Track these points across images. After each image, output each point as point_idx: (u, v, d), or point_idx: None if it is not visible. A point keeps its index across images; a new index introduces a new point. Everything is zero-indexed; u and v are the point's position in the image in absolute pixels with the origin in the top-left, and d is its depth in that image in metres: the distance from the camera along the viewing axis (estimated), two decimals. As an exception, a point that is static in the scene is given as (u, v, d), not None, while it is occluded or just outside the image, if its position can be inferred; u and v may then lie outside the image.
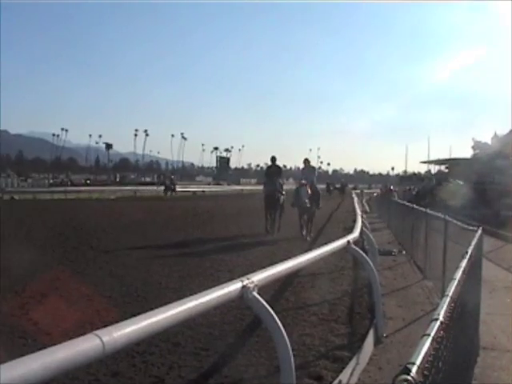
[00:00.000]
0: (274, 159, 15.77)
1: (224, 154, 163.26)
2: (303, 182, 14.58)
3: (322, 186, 65.65)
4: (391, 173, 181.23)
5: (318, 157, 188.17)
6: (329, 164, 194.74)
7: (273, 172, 15.62)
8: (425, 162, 57.70)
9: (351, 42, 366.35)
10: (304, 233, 14.74)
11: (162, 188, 50.73)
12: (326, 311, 6.64)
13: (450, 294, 2.46)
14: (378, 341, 5.72)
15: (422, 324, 5.82)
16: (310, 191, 14.51)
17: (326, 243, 6.03)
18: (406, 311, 7.08)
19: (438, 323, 1.93)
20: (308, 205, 14.26)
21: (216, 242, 13.53)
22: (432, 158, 61.40)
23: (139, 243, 12.92)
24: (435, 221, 9.01)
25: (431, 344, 1.70)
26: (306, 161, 15.42)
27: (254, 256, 11.19)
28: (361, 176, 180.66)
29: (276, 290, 7.68)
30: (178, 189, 52.58)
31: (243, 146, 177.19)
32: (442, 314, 2.06)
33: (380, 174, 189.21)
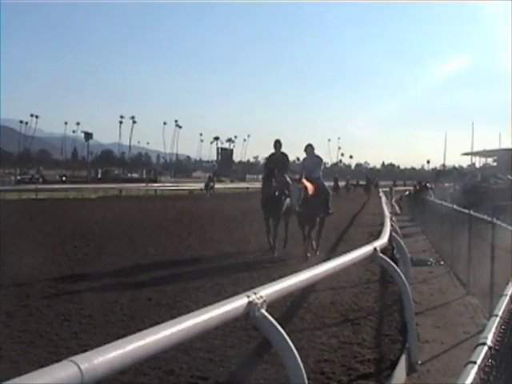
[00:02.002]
0: (277, 144, 13.78)
1: (226, 146, 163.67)
2: (296, 176, 12.97)
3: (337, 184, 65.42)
4: (426, 167, 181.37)
5: (339, 148, 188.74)
6: (351, 157, 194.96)
7: (276, 162, 13.60)
8: (467, 154, 57.69)
9: (374, 6, 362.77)
10: (307, 248, 12.72)
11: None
12: (348, 332, 6.63)
13: (500, 313, 2.44)
14: (411, 369, 5.70)
15: (466, 349, 5.81)
16: (312, 190, 12.46)
17: (347, 251, 6.01)
18: (445, 333, 7.05)
19: (486, 348, 1.91)
20: (298, 208, 12.14)
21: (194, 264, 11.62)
22: (476, 148, 61.26)
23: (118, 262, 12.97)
24: (481, 225, 8.97)
25: (477, 374, 1.68)
26: (309, 147, 13.49)
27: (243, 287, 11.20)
28: (390, 171, 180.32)
29: (288, 307, 7.68)
30: (163, 186, 52.65)
31: (249, 136, 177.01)
32: (490, 337, 2.04)
33: (413, 169, 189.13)
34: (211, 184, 51.85)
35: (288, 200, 13.06)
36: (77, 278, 9.71)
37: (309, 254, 12.42)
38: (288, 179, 13.37)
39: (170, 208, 29.87)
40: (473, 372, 1.69)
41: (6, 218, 19.47)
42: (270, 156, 14.22)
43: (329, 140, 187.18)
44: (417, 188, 35.90)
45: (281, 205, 13.16)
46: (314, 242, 13.23)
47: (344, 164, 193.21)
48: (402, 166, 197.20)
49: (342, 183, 68.64)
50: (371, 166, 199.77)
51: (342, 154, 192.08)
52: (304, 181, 12.38)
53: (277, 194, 13.08)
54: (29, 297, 8.21)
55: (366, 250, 6.16)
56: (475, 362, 1.76)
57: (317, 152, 13.74)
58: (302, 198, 12.08)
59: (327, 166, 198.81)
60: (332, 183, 56.39)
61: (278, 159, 13.72)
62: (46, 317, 7.11)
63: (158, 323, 2.50)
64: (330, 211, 13.56)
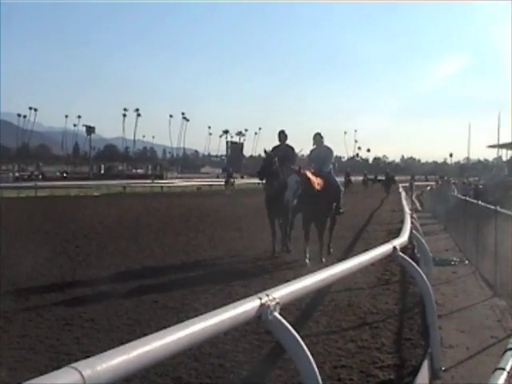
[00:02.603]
0: (282, 135, 13.28)
1: (236, 139, 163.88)
2: (295, 167, 11.67)
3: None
4: (449, 160, 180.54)
5: (355, 141, 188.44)
6: (369, 150, 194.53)
7: (280, 155, 12.85)
8: (493, 147, 57.24)
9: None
10: (322, 251, 11.95)
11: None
12: (366, 337, 6.61)
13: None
14: (434, 376, 5.67)
15: (493, 355, 5.77)
16: (319, 184, 11.55)
17: (365, 250, 5.99)
18: (470, 338, 7.01)
19: (515, 354, 1.89)
20: (294, 203, 11.32)
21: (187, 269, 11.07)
22: (503, 141, 60.75)
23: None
24: (508, 222, 8.91)
25: (506, 380, 1.66)
26: (317, 136, 12.66)
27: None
28: (410, 165, 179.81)
29: (302, 310, 7.68)
30: (169, 182, 52.63)
31: (260, 129, 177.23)
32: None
33: (435, 163, 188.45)
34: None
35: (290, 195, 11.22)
36: (79, 279, 9.76)
37: (324, 259, 11.46)
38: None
39: (176, 206, 29.93)
40: (502, 379, 1.67)
41: (4, 218, 19.59)
42: (273, 149, 13.35)
43: (345, 133, 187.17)
44: (439, 183, 35.79)
45: (286, 204, 11.64)
46: (325, 245, 12.40)
47: (361, 158, 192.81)
48: (422, 160, 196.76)
49: (357, 178, 68.56)
50: (390, 159, 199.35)
51: (359, 148, 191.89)
52: (307, 172, 11.38)
53: (281, 193, 11.53)
54: (28, 300, 8.26)
55: (384, 248, 6.13)
56: (504, 369, 1.74)
57: (327, 142, 12.90)
58: (309, 194, 11.17)
59: (343, 160, 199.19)
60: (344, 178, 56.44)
61: (281, 153, 12.96)
62: (47, 321, 7.15)
63: (165, 327, 2.50)
64: (340, 210, 12.80)
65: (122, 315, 7.47)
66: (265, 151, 13.34)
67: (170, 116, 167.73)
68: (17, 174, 78.12)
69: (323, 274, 4.45)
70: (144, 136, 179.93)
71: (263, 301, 3.27)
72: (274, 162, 12.64)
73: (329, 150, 12.78)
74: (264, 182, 13.30)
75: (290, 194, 11.07)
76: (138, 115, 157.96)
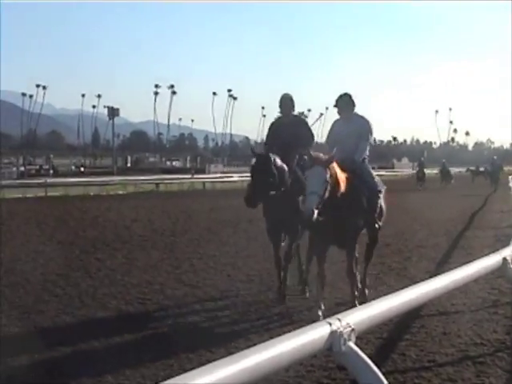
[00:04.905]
0: (287, 102, 10.56)
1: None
2: (320, 155, 8.56)
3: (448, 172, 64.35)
4: None
5: (450, 122, 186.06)
6: (467, 134, 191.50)
7: (285, 138, 10.19)
8: None
9: None
10: (321, 298, 9.07)
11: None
12: (469, 375, 6.52)
13: None
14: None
15: None
16: (344, 182, 8.64)
17: (465, 263, 5.91)
18: None
19: None
20: (314, 215, 7.97)
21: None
22: None
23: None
24: None
25: None
26: (344, 98, 9.77)
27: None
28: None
29: (384, 339, 7.63)
30: (212, 177, 52.65)
31: (327, 109, 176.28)
32: None
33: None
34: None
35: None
36: (100, 300, 9.91)
37: (356, 303, 8.47)
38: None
39: (222, 207, 29.99)
40: None
41: (7, 224, 20.05)
42: (274, 123, 10.91)
43: (436, 112, 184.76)
44: None
45: (294, 213, 9.35)
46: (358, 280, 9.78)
47: (457, 143, 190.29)
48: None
49: (454, 169, 67.61)
50: (496, 145, 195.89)
51: (455, 131, 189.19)
52: (334, 164, 8.53)
53: (289, 197, 9.66)
54: (37, 325, 8.44)
55: (491, 260, 6.05)
56: None
57: (360, 111, 10.05)
58: (331, 201, 8.36)
59: (434, 146, 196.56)
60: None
61: (288, 128, 10.29)
62: (64, 360, 7.27)
63: (210, 361, 2.52)
64: (377, 224, 9.69)
65: (152, 344, 7.56)
66: (252, 151, 10.66)
67: (214, 94, 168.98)
68: (22, 169, 78.17)
69: (410, 294, 4.41)
70: (181, 119, 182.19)
71: (334, 327, 3.26)
72: (270, 170, 9.48)
73: (364, 124, 9.88)
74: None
75: (314, 201, 8.09)
76: (173, 93, 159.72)
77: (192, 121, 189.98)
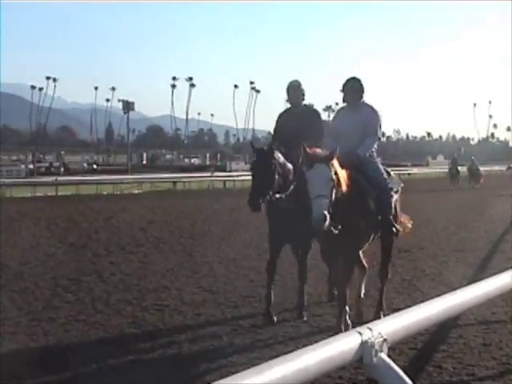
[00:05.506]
0: (294, 91, 10.00)
1: (325, 117, 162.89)
2: (317, 151, 8.05)
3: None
4: None
5: (490, 117, 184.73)
6: (508, 129, 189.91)
7: (293, 126, 9.58)
8: None
9: None
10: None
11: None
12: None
13: None
14: None
15: None
16: (346, 182, 7.98)
17: (505, 269, 5.86)
18: None
19: None
20: (327, 222, 7.39)
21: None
22: None
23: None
24: None
25: None
26: (351, 83, 9.12)
27: None
28: None
29: (418, 350, 7.60)
30: (233, 176, 52.68)
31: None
32: None
33: None
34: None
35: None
36: (115, 307, 9.95)
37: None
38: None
39: (244, 207, 29.94)
40: None
41: (15, 225, 20.15)
42: (281, 114, 10.31)
43: (475, 105, 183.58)
44: None
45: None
46: (363, 290, 9.53)
47: (497, 139, 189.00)
48: None
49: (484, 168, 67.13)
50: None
51: (495, 126, 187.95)
52: (335, 161, 7.81)
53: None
54: (47, 333, 8.47)
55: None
56: None
57: (367, 100, 9.38)
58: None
59: (472, 142, 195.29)
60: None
61: (297, 120, 9.66)
62: (76, 370, 7.27)
63: (231, 372, 2.52)
64: (393, 228, 9.03)
65: (171, 358, 7.57)
66: (252, 145, 9.66)
67: (235, 86, 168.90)
68: (31, 166, 78.85)
69: (447, 301, 4.38)
70: (199, 114, 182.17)
71: (365, 337, 3.24)
72: (272, 168, 8.82)
73: (373, 117, 9.24)
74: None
75: (323, 205, 7.45)
76: (192, 86, 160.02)
77: (212, 115, 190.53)
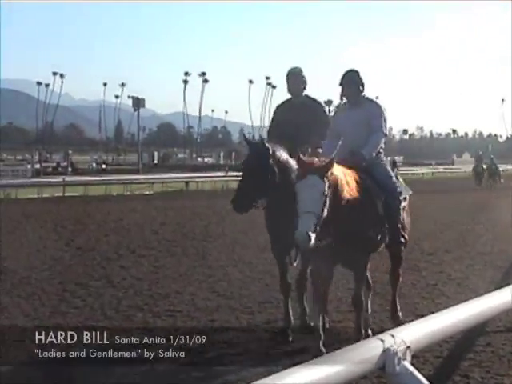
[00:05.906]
0: (294, 79, 9.60)
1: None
2: (314, 160, 7.32)
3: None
4: None
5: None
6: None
7: (292, 118, 9.20)
8: None
9: None
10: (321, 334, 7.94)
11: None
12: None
13: None
14: None
15: None
16: (351, 188, 7.49)
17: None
18: None
19: None
20: (311, 241, 6.81)
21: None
22: None
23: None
24: None
25: None
26: (350, 75, 8.63)
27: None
28: None
29: (444, 358, 7.56)
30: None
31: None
32: None
33: None
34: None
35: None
36: (125, 312, 9.97)
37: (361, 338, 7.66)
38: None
39: (260, 209, 29.96)
40: None
41: (21, 227, 20.19)
42: (280, 105, 9.96)
43: (503, 100, 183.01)
44: None
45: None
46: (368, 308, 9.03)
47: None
48: None
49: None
50: None
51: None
52: (336, 166, 7.26)
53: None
54: (52, 345, 8.49)
55: None
56: None
57: (370, 94, 9.01)
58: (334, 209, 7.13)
59: (501, 139, 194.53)
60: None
61: (297, 112, 9.25)
62: (85, 379, 7.31)
63: (248, 381, 2.51)
64: (401, 238, 8.54)
65: (183, 365, 7.57)
66: (245, 139, 9.75)
67: (250, 82, 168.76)
68: (38, 166, 78.46)
69: (474, 307, 4.36)
70: (213, 111, 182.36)
71: (388, 344, 3.22)
72: (266, 164, 8.38)
73: (376, 112, 8.69)
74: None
75: (309, 224, 6.84)
76: (205, 81, 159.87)
77: (226, 112, 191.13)
